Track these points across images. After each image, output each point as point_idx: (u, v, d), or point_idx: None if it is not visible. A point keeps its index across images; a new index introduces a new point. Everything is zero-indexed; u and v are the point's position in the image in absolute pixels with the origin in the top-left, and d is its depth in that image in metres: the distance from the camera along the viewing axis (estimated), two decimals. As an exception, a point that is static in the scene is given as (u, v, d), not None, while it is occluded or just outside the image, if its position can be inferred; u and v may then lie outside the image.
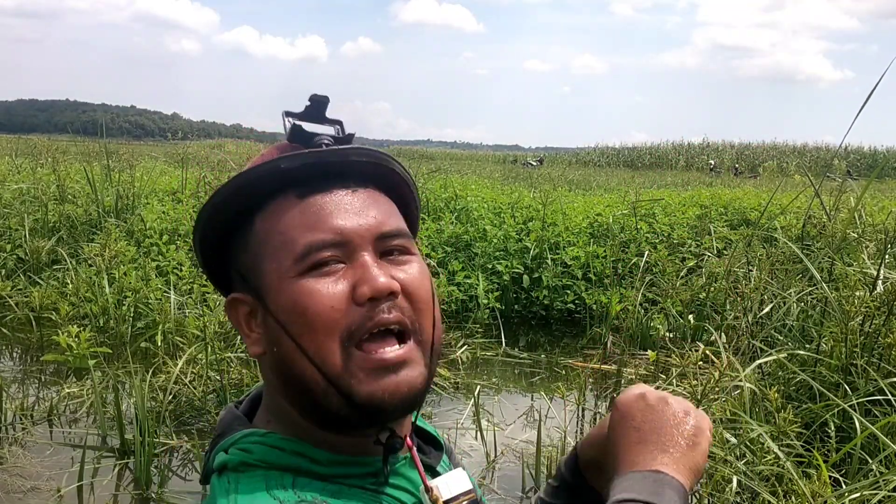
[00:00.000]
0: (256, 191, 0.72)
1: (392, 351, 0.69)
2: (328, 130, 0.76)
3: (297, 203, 0.71)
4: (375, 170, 0.75)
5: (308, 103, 0.75)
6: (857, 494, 2.38)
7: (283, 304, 0.69)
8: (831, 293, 3.58)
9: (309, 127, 0.75)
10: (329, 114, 0.77)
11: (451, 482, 0.74)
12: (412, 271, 0.72)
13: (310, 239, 0.69)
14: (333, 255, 0.70)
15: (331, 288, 0.68)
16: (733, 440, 2.84)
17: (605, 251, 6.89)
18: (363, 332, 0.68)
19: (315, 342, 0.68)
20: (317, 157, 0.72)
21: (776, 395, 2.79)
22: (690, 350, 3.18)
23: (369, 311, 0.68)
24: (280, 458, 0.69)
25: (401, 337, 0.70)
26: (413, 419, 0.79)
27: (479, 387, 4.63)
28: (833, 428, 2.97)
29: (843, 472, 2.86)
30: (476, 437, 4.08)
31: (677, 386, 3.47)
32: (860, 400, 2.98)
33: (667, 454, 0.71)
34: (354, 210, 0.72)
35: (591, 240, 7.41)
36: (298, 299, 0.68)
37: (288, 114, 0.75)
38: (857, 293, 3.31)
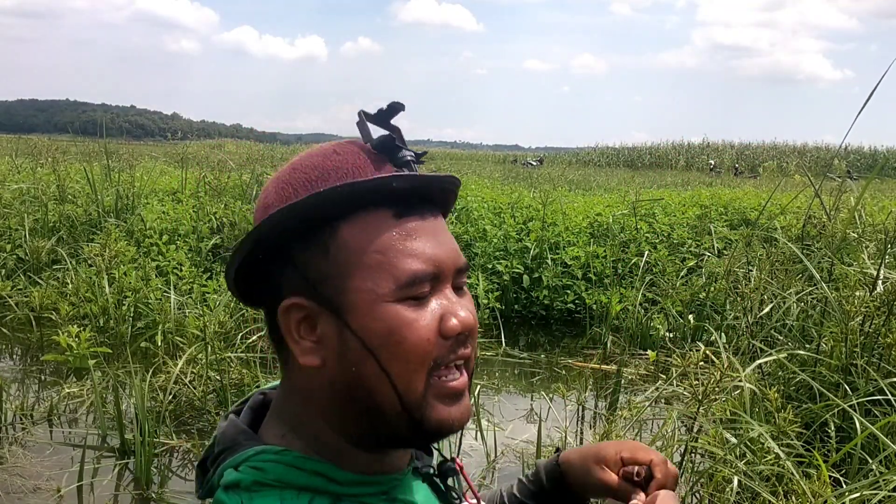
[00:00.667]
0: (357, 202, 0.70)
1: (458, 380, 0.72)
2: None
3: (393, 223, 0.70)
4: (452, 197, 0.77)
5: (384, 107, 0.73)
6: (857, 494, 2.38)
7: (374, 328, 0.68)
8: (831, 293, 3.58)
9: (380, 133, 0.73)
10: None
11: None
12: (472, 307, 0.74)
13: (415, 268, 0.69)
14: (429, 286, 0.70)
15: (426, 320, 0.69)
16: (733, 440, 2.85)
17: (605, 251, 6.90)
18: (445, 363, 0.71)
19: (406, 371, 0.68)
20: (424, 182, 0.71)
21: (776, 395, 2.79)
22: (691, 350, 3.19)
23: (454, 346, 0.71)
24: (298, 478, 0.68)
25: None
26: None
27: (479, 387, 4.63)
28: (833, 428, 2.97)
29: (843, 472, 2.86)
30: (476, 437, 4.08)
31: (678, 386, 3.47)
32: (860, 400, 2.98)
33: None
34: (443, 240, 0.72)
35: (591, 240, 7.41)
36: (396, 327, 0.68)
37: (367, 116, 0.73)
38: (857, 293, 3.32)
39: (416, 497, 0.75)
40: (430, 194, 0.73)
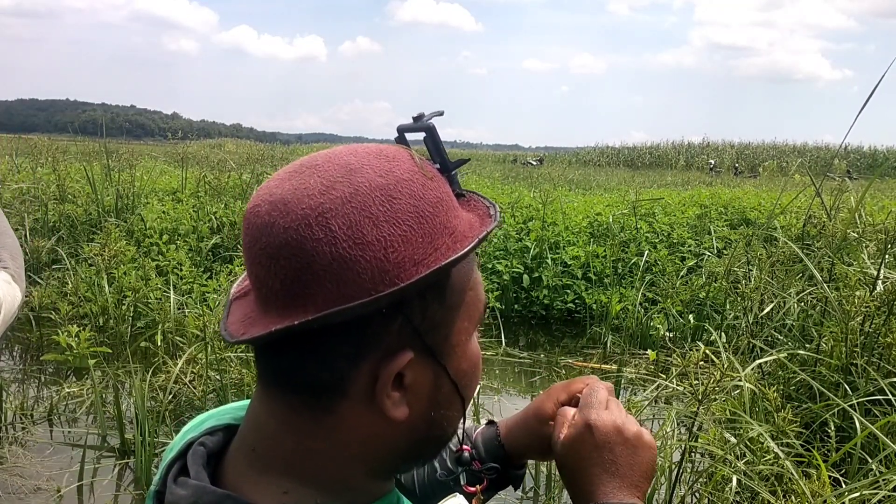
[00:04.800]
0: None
1: None
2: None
3: (474, 254, 0.63)
4: None
5: (424, 114, 0.67)
6: (857, 494, 2.38)
7: (465, 368, 0.64)
8: (831, 293, 3.58)
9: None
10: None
11: None
12: None
13: (485, 296, 0.66)
14: None
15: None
16: (733, 440, 2.85)
17: (605, 251, 6.90)
18: None
19: (470, 397, 0.66)
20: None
21: (776, 394, 2.79)
22: (691, 350, 3.19)
23: None
24: None
25: None
26: None
27: (479, 387, 4.63)
28: (833, 428, 2.97)
29: (843, 471, 2.86)
30: (476, 437, 4.08)
31: (678, 386, 3.47)
32: (860, 400, 2.98)
33: (637, 490, 0.77)
34: None
35: (591, 239, 7.41)
36: (478, 363, 0.66)
37: (405, 127, 0.66)
38: (857, 293, 3.32)
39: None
40: None
